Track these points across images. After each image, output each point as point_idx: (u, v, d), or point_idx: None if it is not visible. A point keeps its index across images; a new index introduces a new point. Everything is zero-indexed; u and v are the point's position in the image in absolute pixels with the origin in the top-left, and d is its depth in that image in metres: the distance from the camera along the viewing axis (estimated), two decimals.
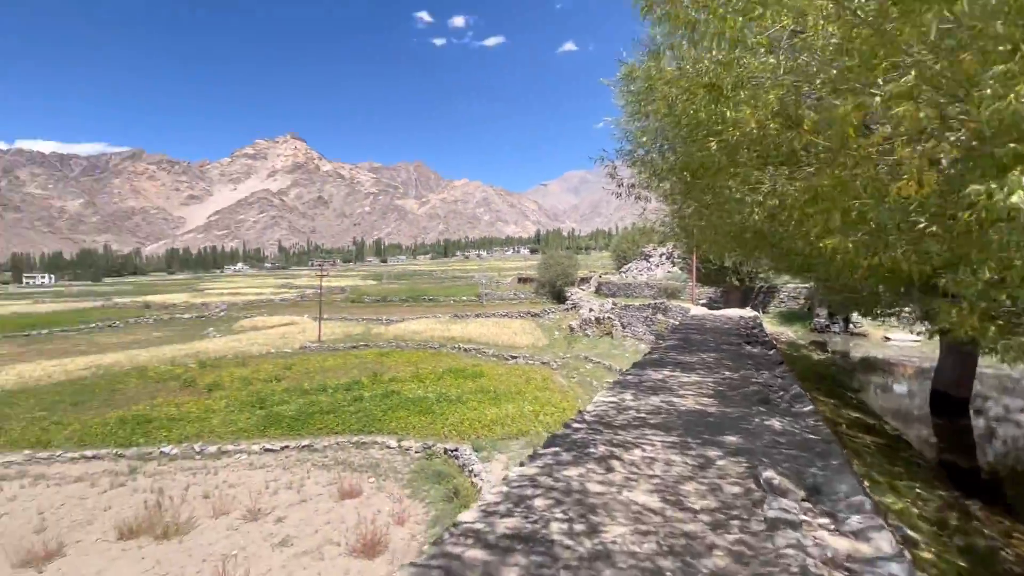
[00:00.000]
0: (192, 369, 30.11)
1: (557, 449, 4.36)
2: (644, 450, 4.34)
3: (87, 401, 23.57)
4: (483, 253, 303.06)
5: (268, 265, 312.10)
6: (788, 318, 25.41)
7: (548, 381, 23.95)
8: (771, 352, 9.81)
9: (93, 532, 11.63)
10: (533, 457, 4.21)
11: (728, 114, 5.40)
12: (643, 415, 5.44)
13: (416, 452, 15.71)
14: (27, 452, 16.65)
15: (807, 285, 28.17)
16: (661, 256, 49.60)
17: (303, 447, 16.44)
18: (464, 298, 75.65)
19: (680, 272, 40.14)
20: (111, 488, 14.12)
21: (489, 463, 13.76)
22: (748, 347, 10.53)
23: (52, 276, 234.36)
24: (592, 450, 4.32)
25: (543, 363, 28.87)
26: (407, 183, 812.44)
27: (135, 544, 11.01)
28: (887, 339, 22.20)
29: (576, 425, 5.08)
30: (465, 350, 34.39)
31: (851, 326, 23.59)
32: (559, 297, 57.15)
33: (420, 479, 13.86)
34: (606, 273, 65.10)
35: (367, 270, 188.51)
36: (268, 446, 16.48)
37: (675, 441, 4.58)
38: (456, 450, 15.01)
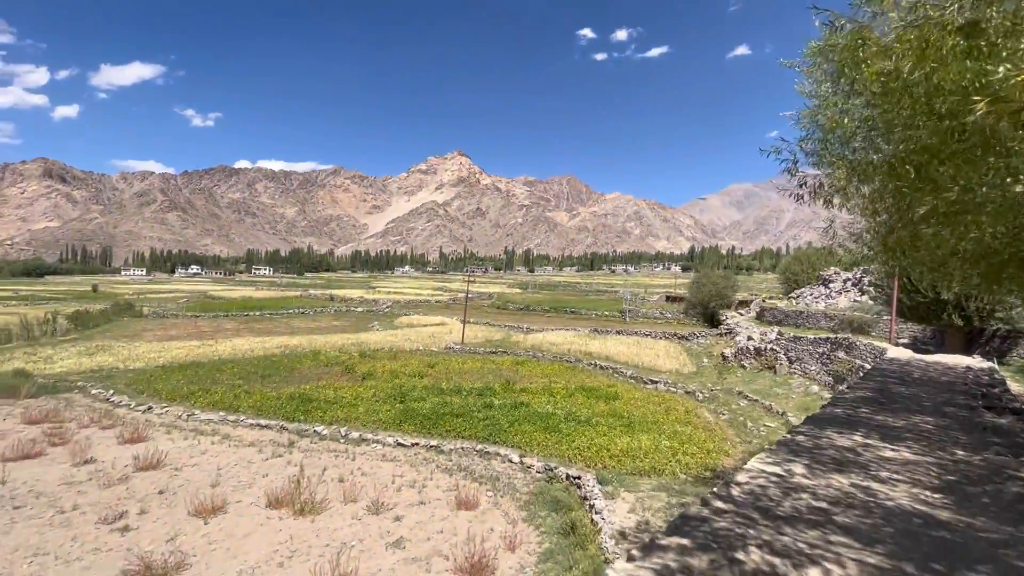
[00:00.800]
0: (354, 357, 33.66)
1: (685, 543, 3.06)
2: (828, 573, 2.82)
3: (272, 375, 27.68)
4: (630, 268, 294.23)
5: (430, 269, 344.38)
6: None
7: (692, 414, 21.28)
8: None
9: (251, 495, 13.06)
10: (647, 550, 2.99)
11: (1000, 70, 3.55)
12: (824, 504, 3.78)
13: (537, 472, 14.89)
14: (222, 413, 19.86)
15: None
16: (845, 282, 41.76)
17: (431, 447, 16.77)
18: (606, 313, 73.57)
19: (871, 303, 33.14)
20: (272, 456, 15.94)
21: (613, 500, 12.29)
22: (989, 415, 7.53)
23: (271, 268, 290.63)
24: (739, 555, 2.93)
25: (687, 392, 25.96)
26: (559, 196, 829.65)
27: (277, 514, 12.02)
28: None
29: (719, 505, 3.67)
30: (601, 367, 32.81)
31: None
32: (712, 320, 51.91)
33: (538, 503, 12.97)
34: (771, 297, 57.40)
35: (514, 279, 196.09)
36: (401, 440, 17.17)
37: (883, 566, 2.94)
38: (579, 478, 13.80)
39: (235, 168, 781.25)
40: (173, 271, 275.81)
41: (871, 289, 32.28)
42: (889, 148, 5.09)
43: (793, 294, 46.59)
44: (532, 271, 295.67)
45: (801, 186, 5.66)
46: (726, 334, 41.02)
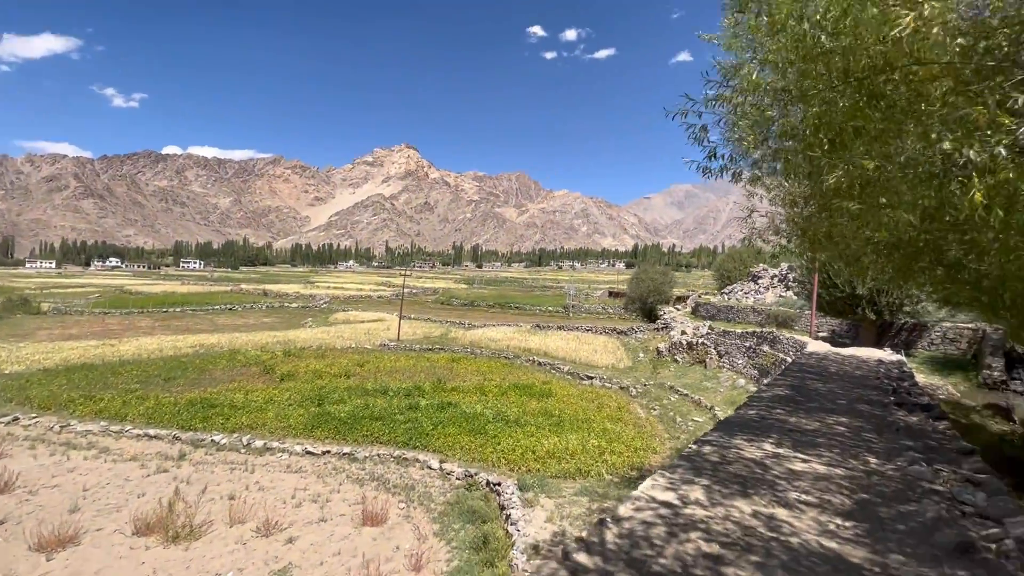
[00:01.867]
0: (276, 356, 31.28)
1: None
2: None
3: (177, 378, 25.04)
4: (577, 264, 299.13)
5: (375, 264, 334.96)
6: (943, 366, 19.90)
7: (624, 410, 20.99)
8: (942, 425, 6.49)
9: (117, 520, 11.23)
10: None
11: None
12: (716, 549, 2.98)
13: (457, 479, 13.88)
14: (104, 423, 17.46)
15: (970, 325, 22.17)
16: (772, 278, 43.57)
17: (344, 455, 15.37)
18: (550, 308, 73.61)
19: (795, 298, 34.56)
20: (156, 472, 14.00)
21: (532, 508, 11.48)
22: (900, 412, 7.23)
23: (202, 262, 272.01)
24: None
25: (621, 388, 25.81)
26: (508, 192, 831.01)
27: (144, 543, 10.33)
28: None
29: (582, 560, 2.77)
30: (539, 363, 32.27)
31: None
32: (651, 315, 52.89)
33: (453, 514, 11.96)
34: (706, 293, 59.34)
35: (461, 274, 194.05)
36: (310, 448, 15.65)
37: None
38: (500, 484, 12.92)
39: (163, 154, 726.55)
40: (88, 264, 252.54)
41: (795, 285, 33.59)
42: (803, 118, 4.41)
43: (726, 290, 48.20)
44: (480, 267, 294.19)
45: (710, 157, 4.90)
46: (663, 329, 41.70)
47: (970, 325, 22.01)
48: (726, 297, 44.47)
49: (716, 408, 19.86)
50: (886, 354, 16.19)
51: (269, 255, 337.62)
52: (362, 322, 55.27)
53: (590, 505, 11.59)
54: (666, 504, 3.59)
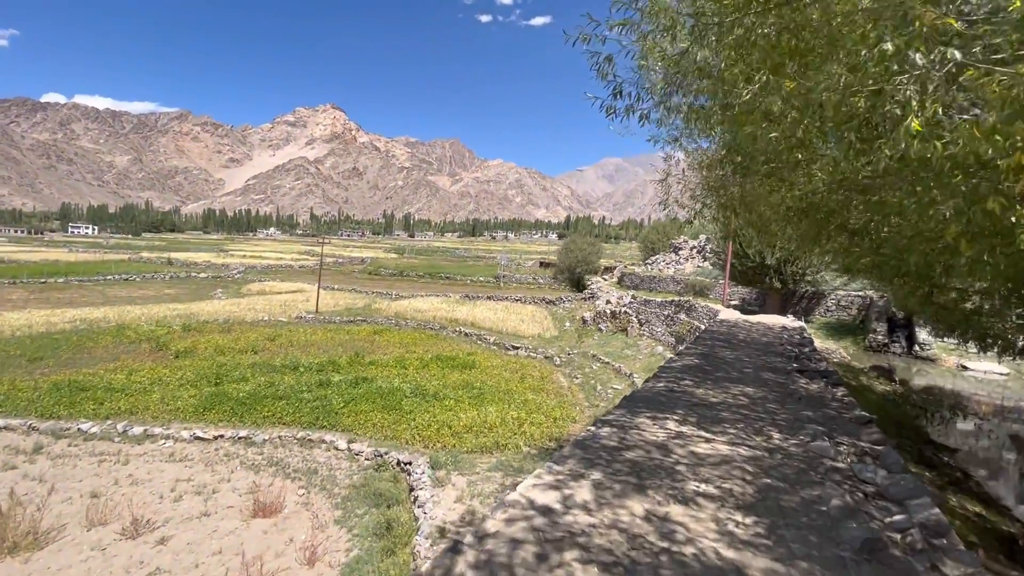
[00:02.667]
0: (173, 332, 28.23)
1: None
2: None
3: (45, 359, 21.79)
4: (510, 235, 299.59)
5: (299, 232, 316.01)
6: (836, 331, 21.52)
7: (546, 380, 20.90)
8: (840, 392, 6.46)
9: None
10: None
11: None
12: (595, 567, 2.32)
13: (367, 459, 12.97)
14: None
15: (860, 293, 24.06)
16: (692, 250, 45.44)
17: (239, 438, 13.92)
18: (481, 278, 72.90)
19: (711, 268, 36.19)
20: (1, 470, 11.89)
21: (443, 488, 10.87)
22: (802, 380, 7.19)
23: (95, 227, 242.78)
24: None
25: (546, 357, 25.80)
26: (441, 160, 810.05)
27: None
28: (963, 368, 18.11)
29: None
30: (466, 334, 31.61)
31: (917, 347, 19.51)
32: (579, 285, 53.72)
33: (358, 497, 11.10)
34: (632, 264, 61.17)
35: (392, 243, 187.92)
36: (200, 433, 14.02)
37: None
38: (410, 463, 12.18)
39: (42, 102, 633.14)
40: None
41: (712, 256, 35.07)
42: (717, 47, 3.75)
43: (649, 260, 49.79)
44: (413, 236, 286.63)
45: (615, 95, 4.15)
46: (589, 299, 42.39)
47: (860, 293, 23.88)
48: (649, 268, 45.90)
49: (635, 375, 20.22)
50: (789, 321, 17.00)
51: (177, 221, 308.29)
52: (279, 293, 51.70)
53: (504, 481, 11.17)
54: (545, 510, 2.94)
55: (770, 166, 5.73)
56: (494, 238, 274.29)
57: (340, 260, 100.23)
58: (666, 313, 25.56)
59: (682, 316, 23.58)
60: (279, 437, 14.05)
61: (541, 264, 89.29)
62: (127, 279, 62.82)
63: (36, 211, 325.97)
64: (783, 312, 23.10)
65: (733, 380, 6.93)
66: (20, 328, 28.00)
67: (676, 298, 27.28)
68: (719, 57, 3.82)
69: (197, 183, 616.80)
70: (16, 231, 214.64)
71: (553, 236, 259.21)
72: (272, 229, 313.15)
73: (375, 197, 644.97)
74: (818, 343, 17.18)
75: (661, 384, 6.45)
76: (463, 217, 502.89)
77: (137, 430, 14.16)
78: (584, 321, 32.27)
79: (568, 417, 16.24)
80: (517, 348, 27.58)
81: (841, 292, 24.69)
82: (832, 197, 5.61)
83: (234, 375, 19.13)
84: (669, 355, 21.74)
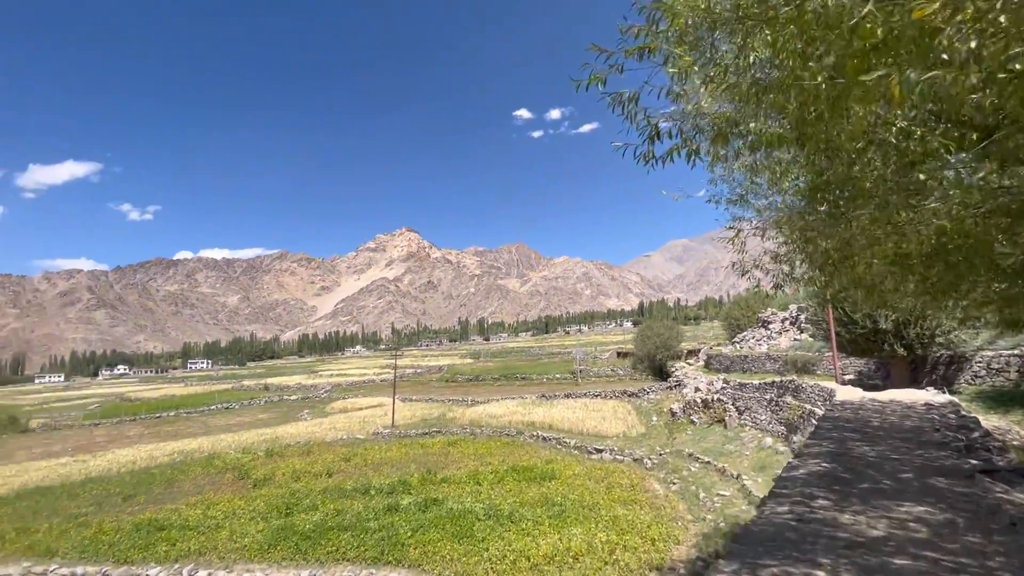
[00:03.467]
0: (257, 459, 28.65)
1: None
2: None
3: (138, 495, 22.45)
4: (584, 328, 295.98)
5: (382, 347, 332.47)
6: (997, 401, 17.26)
7: (638, 489, 18.15)
8: None
9: None
10: None
11: None
12: None
13: None
14: (27, 564, 14.90)
15: (1015, 351, 19.65)
16: (784, 321, 41.20)
17: None
18: (557, 375, 70.52)
19: (811, 340, 32.13)
20: None
21: None
22: (997, 486, 5.04)
23: (209, 362, 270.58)
24: None
25: (635, 460, 22.91)
26: (509, 263, 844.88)
27: None
28: None
29: None
30: (544, 439, 29.39)
31: None
32: (661, 373, 49.97)
33: None
34: (718, 344, 56.62)
35: (468, 348, 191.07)
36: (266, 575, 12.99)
37: None
38: None
39: (174, 260, 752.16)
40: (96, 373, 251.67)
41: (809, 326, 31.32)
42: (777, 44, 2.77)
43: (737, 339, 45.67)
44: (487, 339, 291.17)
45: (652, 139, 3.22)
46: (675, 386, 38.84)
47: (1015, 351, 19.54)
48: (738, 346, 41.92)
49: (744, 477, 17.05)
50: (931, 395, 13.80)
51: (276, 348, 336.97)
52: (360, 409, 52.54)
53: None
54: None
55: (876, 200, 4.40)
56: (567, 332, 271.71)
57: (418, 370, 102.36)
58: (768, 397, 22.25)
59: (788, 399, 20.30)
60: None
61: (619, 354, 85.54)
62: (227, 407, 67.30)
63: (164, 352, 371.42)
64: (915, 384, 19.21)
65: (889, 495, 4.96)
66: (126, 464, 29.71)
67: (777, 378, 23.92)
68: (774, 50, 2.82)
69: (293, 312, 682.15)
70: (147, 371, 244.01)
71: (628, 324, 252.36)
72: (358, 347, 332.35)
73: (450, 306, 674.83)
74: (988, 423, 13.65)
75: (784, 508, 4.67)
76: (535, 316, 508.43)
77: (201, 574, 13.41)
78: (673, 414, 29.06)
79: (669, 537, 13.53)
80: (601, 451, 24.92)
81: (989, 352, 20.34)
82: (978, 227, 4.11)
83: (304, 503, 18.36)
84: (781, 448, 18.41)
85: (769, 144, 3.68)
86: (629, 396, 41.59)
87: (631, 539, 13.10)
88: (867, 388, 18.73)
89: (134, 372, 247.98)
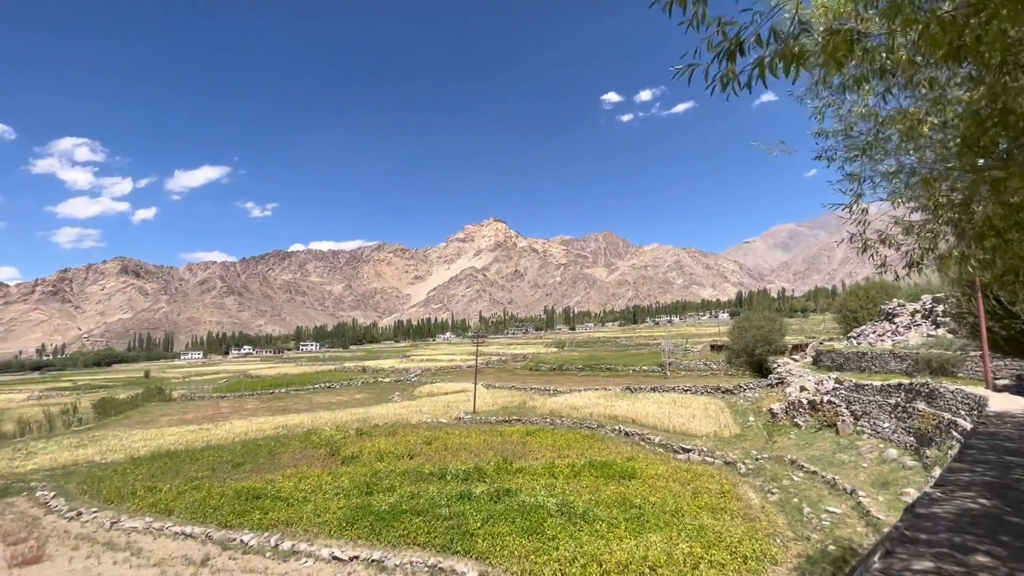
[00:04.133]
0: (348, 436, 30.35)
1: None
2: None
3: (246, 464, 24.63)
4: (675, 319, 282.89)
5: (470, 334, 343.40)
6: None
7: (728, 496, 16.37)
8: None
9: None
10: None
11: None
12: None
13: None
14: (149, 519, 16.78)
15: None
16: (914, 314, 35.54)
17: (372, 561, 12.89)
18: (645, 368, 67.72)
19: (950, 337, 27.26)
20: None
21: None
22: None
23: (317, 344, 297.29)
24: None
25: (727, 463, 20.88)
26: (596, 252, 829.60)
27: None
28: None
29: None
30: (626, 434, 27.99)
31: None
32: (761, 369, 45.78)
33: None
34: (829, 339, 50.65)
35: (554, 338, 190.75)
36: (338, 553, 13.39)
37: None
38: None
39: (288, 252, 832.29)
40: (227, 353, 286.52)
41: (948, 320, 26.65)
42: None
43: (852, 333, 40.32)
44: (573, 329, 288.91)
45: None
46: (777, 384, 35.24)
47: None
48: (854, 342, 37.00)
49: (860, 492, 14.66)
50: None
51: (375, 333, 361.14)
52: (445, 394, 54.21)
53: None
54: None
55: None
56: (657, 323, 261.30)
57: (503, 358, 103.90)
58: (893, 402, 19.06)
59: (920, 405, 17.16)
60: (410, 563, 12.65)
61: (712, 347, 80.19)
62: (329, 387, 72.92)
63: (280, 335, 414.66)
64: None
65: None
66: (239, 435, 32.98)
67: (905, 380, 20.46)
68: None
69: (390, 299, 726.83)
70: (267, 351, 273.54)
71: (724, 315, 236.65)
72: (448, 334, 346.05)
73: (536, 295, 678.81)
74: None
75: (925, 564, 3.40)
76: (623, 305, 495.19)
77: (286, 544, 14.15)
78: (773, 414, 26.23)
79: (764, 555, 11.90)
80: (688, 451, 23.10)
81: None
82: None
83: (383, 484, 18.89)
84: (908, 463, 15.64)
85: (911, 62, 2.47)
86: (723, 393, 38.52)
87: (718, 554, 11.67)
88: None
89: (256, 352, 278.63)
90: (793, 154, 6.66)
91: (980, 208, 5.60)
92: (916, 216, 5.97)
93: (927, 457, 14.87)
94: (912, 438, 16.86)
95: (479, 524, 14.11)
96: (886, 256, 6.43)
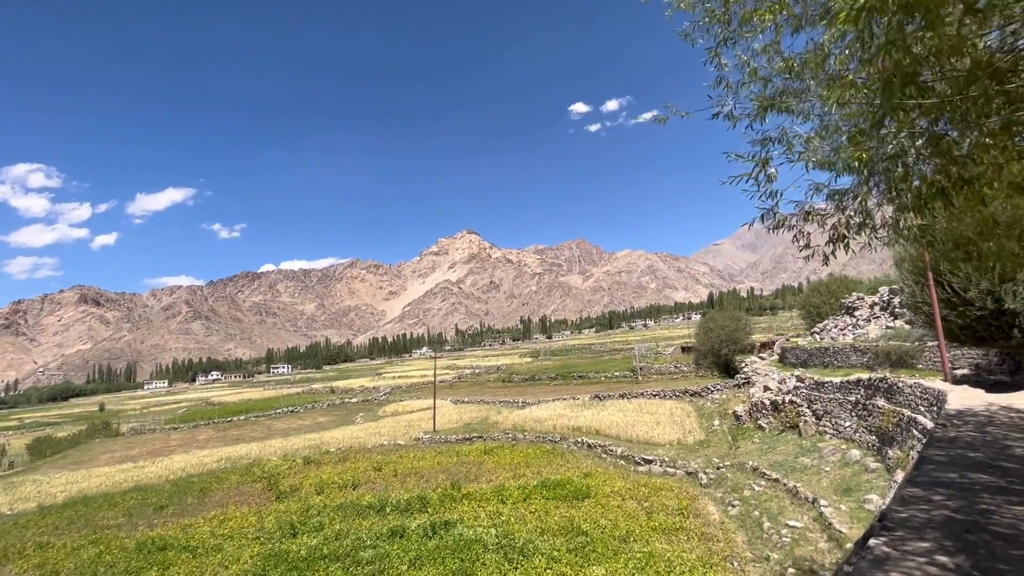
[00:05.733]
0: (295, 466, 28.13)
1: None
2: None
3: (170, 506, 22.26)
4: (649, 322, 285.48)
5: (447, 348, 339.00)
6: None
7: (686, 513, 15.05)
8: None
9: None
10: None
11: None
12: None
13: None
14: None
15: None
16: (873, 307, 35.40)
17: None
18: (616, 373, 66.77)
19: (908, 328, 26.90)
20: None
21: None
22: None
23: (289, 366, 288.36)
24: None
25: (688, 473, 19.65)
26: (570, 260, 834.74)
27: None
28: None
29: None
30: (588, 446, 26.60)
31: None
32: (727, 369, 45.21)
33: None
34: (794, 335, 50.63)
35: (529, 347, 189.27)
36: None
37: None
38: None
39: (258, 273, 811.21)
40: (194, 380, 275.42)
41: (905, 311, 26.25)
42: None
43: (816, 329, 40.12)
44: (550, 337, 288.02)
45: None
46: (744, 384, 34.47)
47: None
48: (817, 337, 36.67)
49: (822, 501, 13.51)
50: None
51: (350, 352, 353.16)
52: (410, 412, 52.02)
53: None
54: None
55: None
56: (632, 328, 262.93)
57: (477, 370, 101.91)
58: (853, 399, 18.16)
59: (879, 402, 16.26)
60: None
61: (683, 349, 79.98)
62: (292, 411, 69.66)
63: (251, 358, 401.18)
64: None
65: None
66: (176, 471, 30.28)
67: (865, 375, 19.66)
68: None
69: (364, 317, 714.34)
70: (236, 376, 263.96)
71: (696, 317, 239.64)
72: (424, 348, 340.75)
73: (512, 305, 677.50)
74: None
75: None
76: (598, 311, 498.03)
77: None
78: (737, 417, 25.23)
79: None
80: (650, 462, 21.81)
81: None
82: None
83: (312, 522, 16.96)
84: (871, 464, 14.62)
85: None
86: (691, 396, 37.58)
87: None
88: (990, 388, 14.48)
89: (224, 378, 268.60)
90: (687, 117, 5.36)
91: (918, 166, 4.38)
92: (844, 182, 4.71)
93: (889, 458, 13.86)
94: (874, 437, 15.89)
95: (404, 568, 12.39)
96: (809, 234, 5.16)
